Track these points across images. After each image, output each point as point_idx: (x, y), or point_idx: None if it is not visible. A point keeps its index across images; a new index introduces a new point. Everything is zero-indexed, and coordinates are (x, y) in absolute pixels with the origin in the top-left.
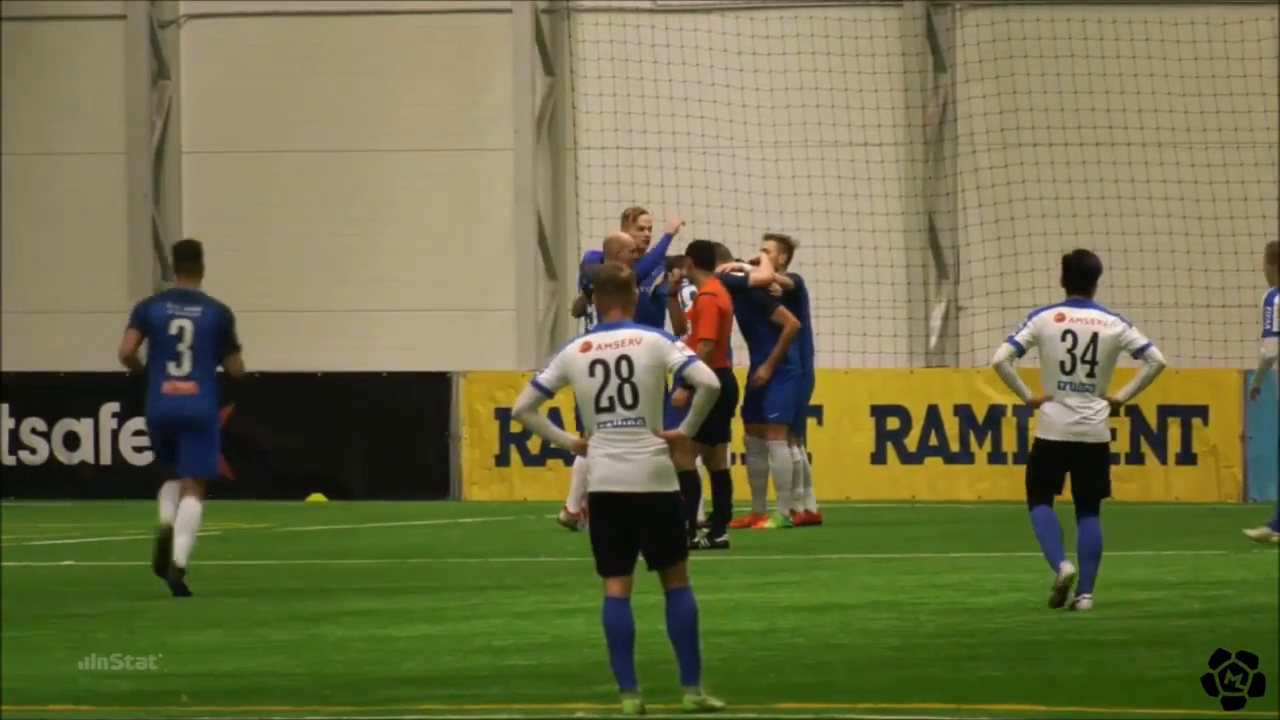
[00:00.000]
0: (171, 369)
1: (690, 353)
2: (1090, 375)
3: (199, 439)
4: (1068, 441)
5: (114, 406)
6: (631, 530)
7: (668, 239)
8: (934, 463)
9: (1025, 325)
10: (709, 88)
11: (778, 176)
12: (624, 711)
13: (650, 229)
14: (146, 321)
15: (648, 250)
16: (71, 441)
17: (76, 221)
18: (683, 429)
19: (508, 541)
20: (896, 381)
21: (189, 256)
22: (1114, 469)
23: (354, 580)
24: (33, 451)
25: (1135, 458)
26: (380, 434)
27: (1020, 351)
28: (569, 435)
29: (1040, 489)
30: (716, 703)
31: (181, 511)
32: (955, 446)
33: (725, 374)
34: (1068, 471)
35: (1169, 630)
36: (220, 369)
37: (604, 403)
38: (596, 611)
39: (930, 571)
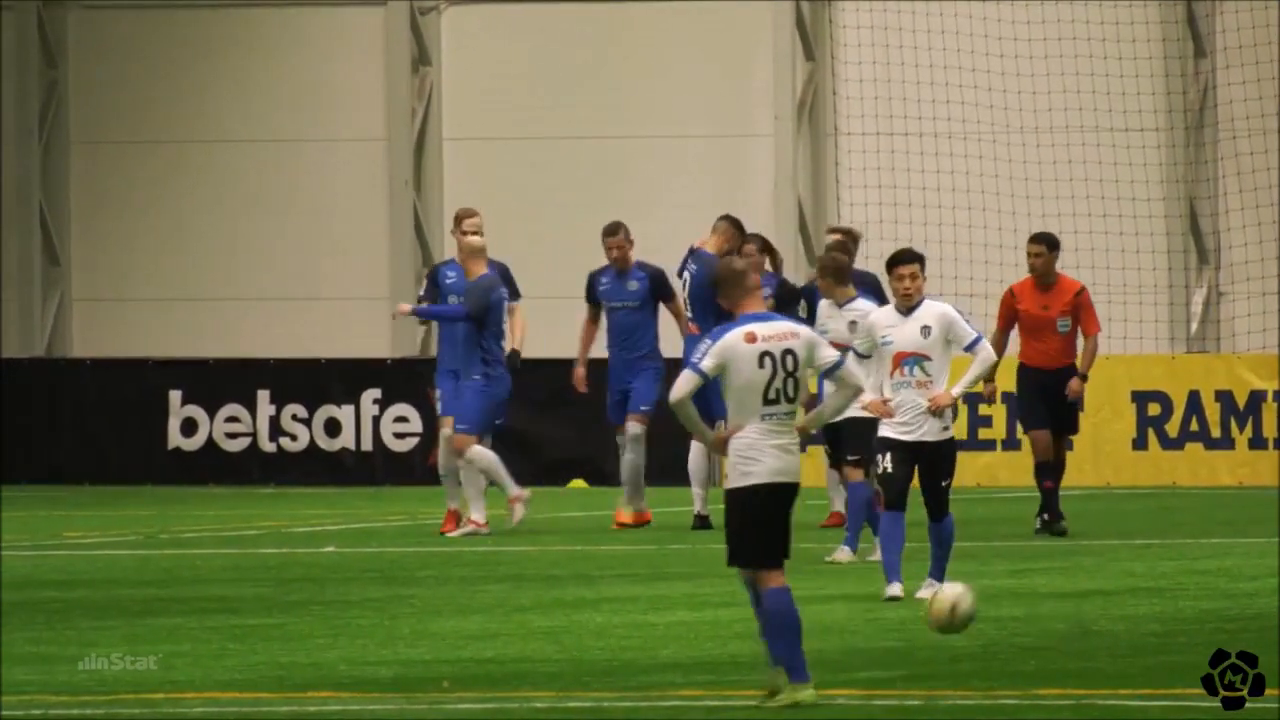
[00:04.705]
0: None
1: (838, 354)
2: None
3: None
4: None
5: (375, 393)
6: (788, 520)
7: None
8: (1195, 448)
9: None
10: (969, 73)
11: (1038, 162)
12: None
13: (478, 233)
14: None
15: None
16: (333, 428)
17: (338, 208)
18: (808, 421)
19: None
20: (1157, 367)
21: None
22: None
23: (615, 567)
24: (293, 438)
25: None
26: None
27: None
28: (711, 432)
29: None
30: (802, 695)
31: None
32: (1216, 432)
33: None
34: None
35: None
36: None
37: (771, 395)
38: (856, 599)
39: (1191, 557)
